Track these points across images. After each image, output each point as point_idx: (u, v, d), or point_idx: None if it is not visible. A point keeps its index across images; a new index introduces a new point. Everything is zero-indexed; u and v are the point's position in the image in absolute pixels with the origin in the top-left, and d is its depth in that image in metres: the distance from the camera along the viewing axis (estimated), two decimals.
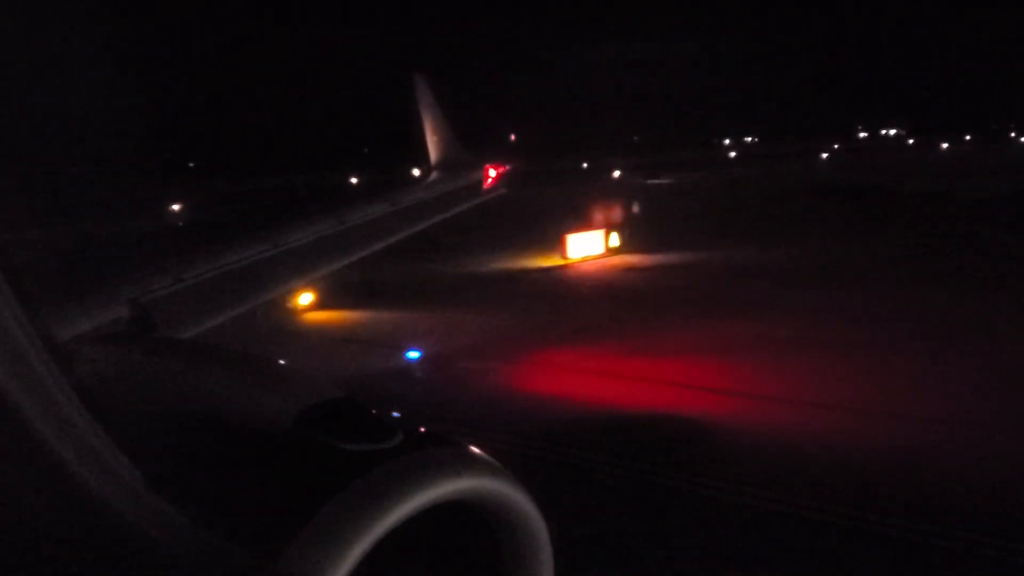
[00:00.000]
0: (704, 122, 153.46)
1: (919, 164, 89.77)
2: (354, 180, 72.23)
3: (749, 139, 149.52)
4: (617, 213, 45.08)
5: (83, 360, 2.43)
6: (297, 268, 5.99)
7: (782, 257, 32.66)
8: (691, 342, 20.41)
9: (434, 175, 15.74)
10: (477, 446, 1.79)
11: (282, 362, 2.32)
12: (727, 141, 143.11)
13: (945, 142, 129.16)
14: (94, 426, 1.52)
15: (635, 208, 49.29)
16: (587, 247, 35.27)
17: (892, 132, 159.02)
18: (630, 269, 32.48)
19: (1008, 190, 53.48)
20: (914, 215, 44.67)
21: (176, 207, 52.07)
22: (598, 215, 43.04)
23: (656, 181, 75.65)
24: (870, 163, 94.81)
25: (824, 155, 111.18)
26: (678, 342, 20.49)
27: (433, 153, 17.13)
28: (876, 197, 54.76)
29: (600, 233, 36.48)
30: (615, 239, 36.50)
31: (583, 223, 39.03)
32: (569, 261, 34.16)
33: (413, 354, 20.17)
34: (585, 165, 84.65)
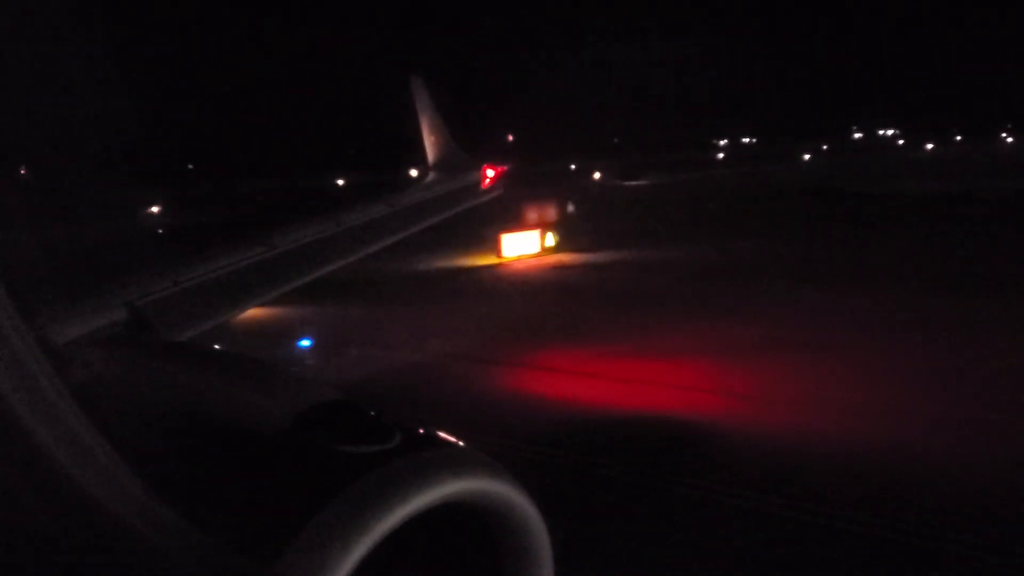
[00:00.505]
0: (705, 123, 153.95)
1: (893, 165, 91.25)
2: (340, 182, 72.24)
3: (747, 140, 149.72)
4: (557, 213, 45.83)
5: (80, 363, 2.42)
6: (293, 270, 5.98)
7: (701, 255, 34.33)
8: (568, 329, 22.42)
9: (431, 176, 15.74)
10: (476, 447, 1.78)
11: (280, 365, 2.31)
12: (725, 142, 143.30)
13: (936, 142, 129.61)
14: (91, 430, 1.52)
15: (571, 208, 50.10)
16: (522, 246, 36.28)
17: (889, 132, 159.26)
18: (556, 267, 34.01)
19: (959, 190, 55.49)
20: (848, 215, 46.42)
21: (154, 209, 51.98)
22: (534, 215, 43.66)
23: (632, 183, 76.16)
24: (846, 164, 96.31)
25: (806, 156, 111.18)
26: (556, 329, 22.56)
27: (430, 154, 17.14)
28: (824, 198, 56.33)
29: (535, 233, 37.14)
30: (551, 239, 37.24)
31: (523, 223, 40.13)
32: (503, 260, 35.23)
33: (305, 342, 22.32)
34: (573, 167, 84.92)
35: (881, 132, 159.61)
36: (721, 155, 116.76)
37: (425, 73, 17.88)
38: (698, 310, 24.23)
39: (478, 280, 31.75)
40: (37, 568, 1.46)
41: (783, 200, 55.34)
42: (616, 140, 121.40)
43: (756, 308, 23.85)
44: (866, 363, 18.21)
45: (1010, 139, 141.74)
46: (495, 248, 35.89)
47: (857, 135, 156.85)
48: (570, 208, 49.38)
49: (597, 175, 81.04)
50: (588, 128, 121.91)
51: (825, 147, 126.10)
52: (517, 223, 38.93)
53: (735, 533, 10.90)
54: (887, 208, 49.48)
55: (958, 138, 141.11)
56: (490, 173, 17.29)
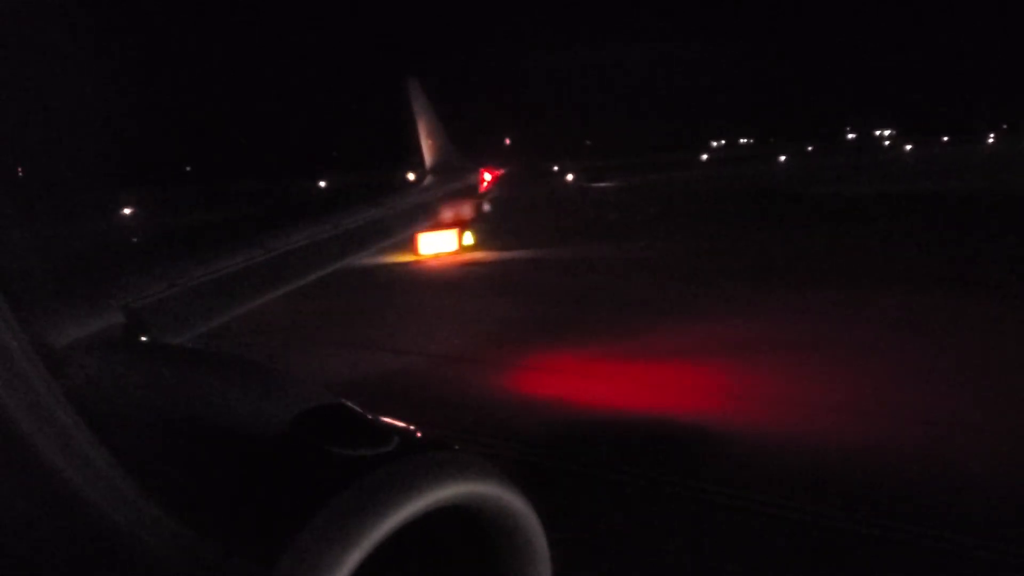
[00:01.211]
0: (709, 124, 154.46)
1: (866, 166, 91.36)
2: (322, 183, 72.19)
3: (745, 141, 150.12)
4: (473, 213, 46.41)
5: (76, 367, 2.42)
6: (290, 272, 6.00)
7: (596, 254, 35.39)
8: (438, 315, 23.38)
9: (429, 179, 15.80)
10: (475, 450, 1.78)
11: (277, 367, 2.31)
12: (723, 143, 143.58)
13: (921, 143, 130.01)
14: (87, 433, 1.52)
15: (486, 207, 50.62)
16: (439, 244, 36.89)
17: (886, 133, 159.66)
18: (465, 264, 34.94)
19: (899, 191, 56.66)
20: (762, 216, 47.22)
21: (128, 211, 51.80)
22: (450, 215, 44.20)
23: (599, 184, 76.47)
24: (818, 165, 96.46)
25: (782, 158, 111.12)
26: (430, 315, 23.67)
27: (428, 157, 17.20)
28: (755, 200, 56.84)
29: (454, 232, 37.70)
30: (468, 237, 37.88)
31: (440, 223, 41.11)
32: (420, 257, 36.00)
33: None
34: (556, 168, 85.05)
35: (877, 133, 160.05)
36: (705, 156, 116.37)
37: (421, 74, 17.95)
38: (555, 299, 25.56)
39: (384, 276, 32.35)
40: (33, 571, 1.46)
41: (719, 202, 55.85)
42: (588, 142, 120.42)
43: (604, 297, 25.27)
44: (658, 349, 18.83)
45: (991, 139, 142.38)
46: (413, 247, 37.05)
47: (850, 135, 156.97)
48: (485, 207, 50.05)
49: (569, 177, 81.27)
50: (587, 131, 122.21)
51: (810, 148, 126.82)
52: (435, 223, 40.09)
53: None
54: (805, 208, 50.94)
55: (944, 139, 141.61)
56: (488, 176, 17.34)
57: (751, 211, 49.74)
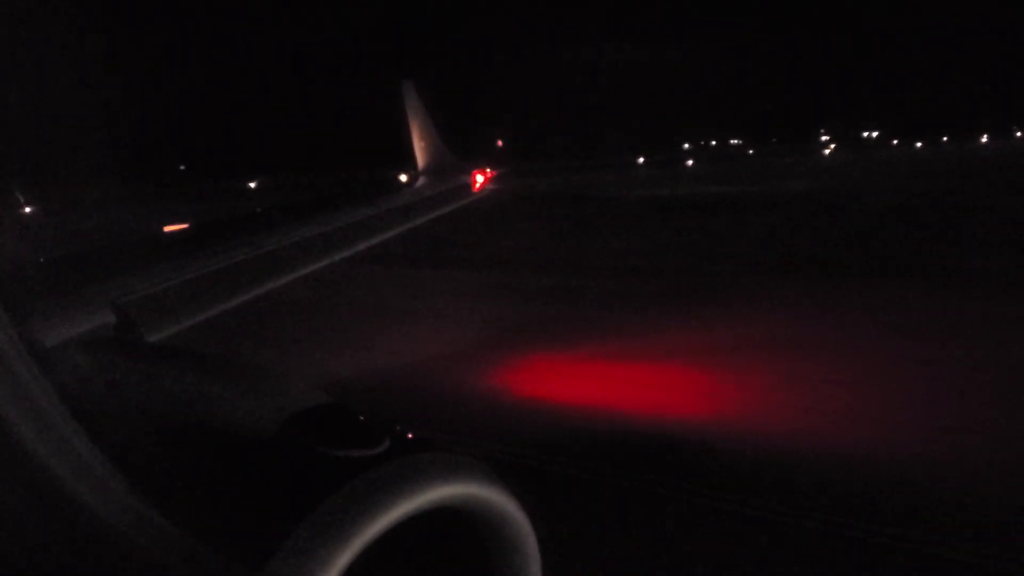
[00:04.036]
0: (685, 125, 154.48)
1: (772, 167, 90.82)
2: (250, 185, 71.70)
3: (735, 141, 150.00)
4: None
5: (68, 366, 2.41)
6: (278, 269, 6.02)
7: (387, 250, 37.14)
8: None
9: (422, 180, 15.79)
10: (467, 451, 1.79)
11: (269, 368, 2.31)
12: (713, 143, 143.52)
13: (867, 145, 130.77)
14: (80, 433, 1.51)
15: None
16: None
17: (875, 134, 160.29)
18: None
19: (754, 192, 57.35)
20: (554, 219, 47.00)
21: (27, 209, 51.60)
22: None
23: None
24: (734, 168, 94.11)
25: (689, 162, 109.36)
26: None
27: (420, 158, 17.18)
28: (559, 202, 56.22)
29: None
30: None
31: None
32: None
33: None
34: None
35: (865, 134, 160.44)
36: (642, 159, 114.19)
37: (415, 76, 17.92)
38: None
39: None
40: (23, 571, 1.45)
41: (541, 203, 54.67)
42: (528, 143, 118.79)
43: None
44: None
45: (945, 139, 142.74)
46: None
47: (824, 137, 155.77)
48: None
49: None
50: (576, 131, 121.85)
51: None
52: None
53: None
54: (604, 212, 50.69)
55: (918, 144, 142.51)
56: (479, 178, 17.36)
57: (544, 214, 48.91)
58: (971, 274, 23.41)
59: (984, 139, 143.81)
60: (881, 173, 73.79)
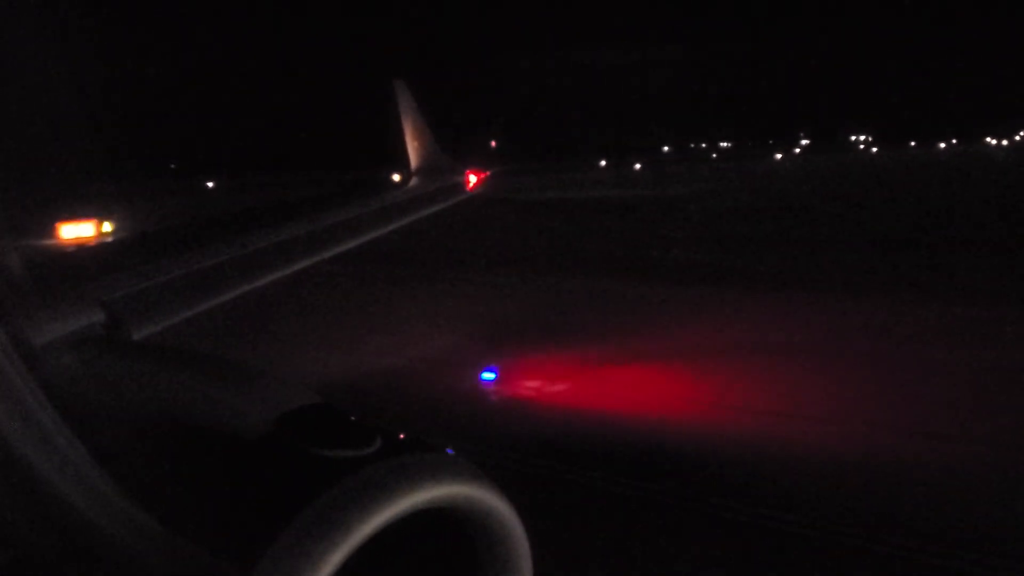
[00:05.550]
0: (690, 125, 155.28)
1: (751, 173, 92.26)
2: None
3: (725, 144, 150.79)
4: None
5: (56, 365, 2.39)
6: (266, 267, 6.03)
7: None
8: None
9: (415, 180, 15.76)
10: (459, 453, 1.78)
11: (259, 367, 2.30)
12: (704, 145, 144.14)
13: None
14: (68, 432, 1.51)
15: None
16: (79, 232, 38.44)
17: (864, 138, 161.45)
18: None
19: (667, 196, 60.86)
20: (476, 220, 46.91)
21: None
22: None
23: None
24: (695, 172, 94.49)
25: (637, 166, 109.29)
26: None
27: (413, 159, 17.15)
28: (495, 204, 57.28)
29: (92, 223, 39.14)
30: (107, 226, 39.52)
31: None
32: (63, 241, 37.71)
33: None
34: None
35: (854, 138, 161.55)
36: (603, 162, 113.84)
37: (407, 75, 17.90)
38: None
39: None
40: (11, 571, 1.44)
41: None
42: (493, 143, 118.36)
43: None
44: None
45: (912, 143, 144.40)
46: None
47: (804, 141, 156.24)
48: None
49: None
50: (562, 133, 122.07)
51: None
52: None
53: None
54: (526, 214, 52.38)
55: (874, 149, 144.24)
56: (472, 179, 17.36)
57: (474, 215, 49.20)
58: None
59: (942, 145, 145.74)
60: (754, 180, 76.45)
